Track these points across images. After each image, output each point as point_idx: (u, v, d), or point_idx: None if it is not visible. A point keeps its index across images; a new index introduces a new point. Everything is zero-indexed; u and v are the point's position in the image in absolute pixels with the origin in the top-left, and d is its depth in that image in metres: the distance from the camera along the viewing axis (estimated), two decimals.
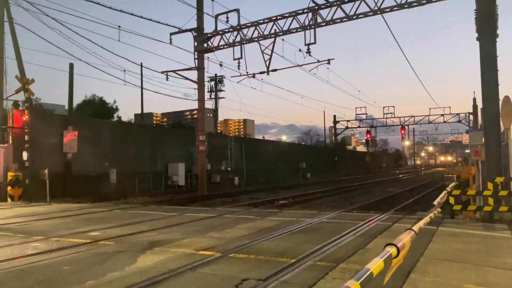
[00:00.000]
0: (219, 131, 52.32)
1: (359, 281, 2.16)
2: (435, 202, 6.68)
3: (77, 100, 45.10)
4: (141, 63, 32.16)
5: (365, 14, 19.43)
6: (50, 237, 8.20)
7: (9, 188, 17.86)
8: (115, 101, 46.33)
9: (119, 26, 21.30)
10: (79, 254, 6.58)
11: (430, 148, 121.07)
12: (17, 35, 21.58)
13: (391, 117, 53.15)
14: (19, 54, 21.81)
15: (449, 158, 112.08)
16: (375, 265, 2.38)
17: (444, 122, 54.03)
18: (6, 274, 5.39)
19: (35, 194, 18.55)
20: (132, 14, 22.00)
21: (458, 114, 52.55)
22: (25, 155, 18.79)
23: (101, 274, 5.25)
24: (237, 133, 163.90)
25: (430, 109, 52.82)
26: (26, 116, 19.11)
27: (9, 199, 17.73)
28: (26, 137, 19.06)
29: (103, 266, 5.75)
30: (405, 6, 18.47)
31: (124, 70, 37.08)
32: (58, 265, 5.86)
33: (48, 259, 6.24)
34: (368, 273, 2.28)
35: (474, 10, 13.36)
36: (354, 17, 19.68)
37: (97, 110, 40.11)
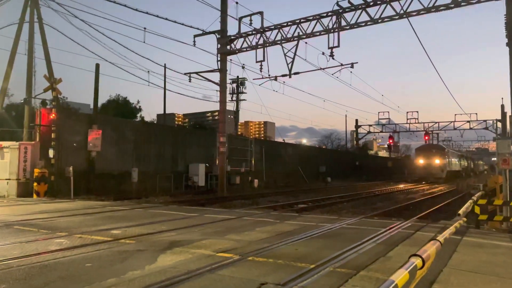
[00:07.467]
0: (239, 133, 52.41)
1: None
2: (460, 212, 6.49)
3: (101, 100, 46.06)
4: (165, 64, 32.72)
5: (391, 18, 19.12)
6: (73, 233, 8.39)
7: (35, 184, 18.39)
8: (138, 101, 47.47)
9: (144, 28, 21.67)
10: (101, 251, 6.70)
11: None
12: (45, 35, 22.29)
13: (415, 123, 52.12)
14: (47, 54, 22.50)
15: (437, 161, 51.07)
16: (400, 276, 2.33)
17: (470, 128, 52.59)
18: (30, 269, 5.53)
19: (60, 190, 19.04)
20: (157, 16, 22.38)
21: (485, 120, 51.06)
22: (51, 153, 19.36)
23: (122, 272, 5.32)
24: (257, 135, 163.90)
25: (455, 115, 51.51)
26: (53, 115, 19.66)
27: (35, 195, 18.26)
28: (53, 135, 19.63)
29: (124, 264, 5.83)
30: (432, 9, 18.08)
31: (148, 71, 37.86)
32: (81, 261, 5.97)
33: (71, 255, 6.37)
34: (393, 285, 2.23)
35: (504, 15, 13.02)
36: (379, 20, 19.41)
37: (121, 110, 40.94)
